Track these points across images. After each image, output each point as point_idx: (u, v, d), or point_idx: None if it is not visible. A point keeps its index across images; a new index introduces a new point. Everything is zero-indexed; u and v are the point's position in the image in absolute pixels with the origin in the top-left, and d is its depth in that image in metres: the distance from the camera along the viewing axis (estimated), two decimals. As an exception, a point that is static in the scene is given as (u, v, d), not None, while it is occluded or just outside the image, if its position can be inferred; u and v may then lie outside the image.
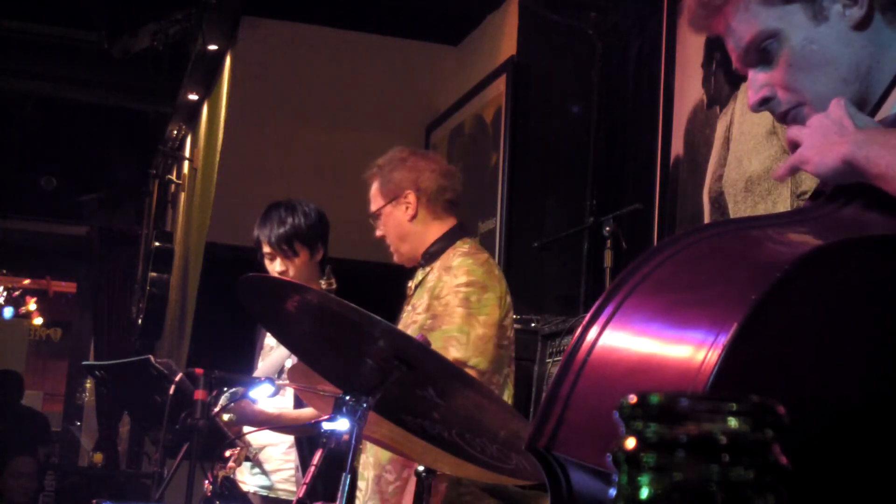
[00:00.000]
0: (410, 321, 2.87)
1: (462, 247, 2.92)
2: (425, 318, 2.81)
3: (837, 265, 1.06)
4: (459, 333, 2.72)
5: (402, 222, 2.96)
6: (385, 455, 2.81)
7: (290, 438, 3.49)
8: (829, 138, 1.21)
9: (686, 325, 1.02)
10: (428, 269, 2.94)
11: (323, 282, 3.17)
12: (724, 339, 0.95)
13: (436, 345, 2.67)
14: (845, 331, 1.05)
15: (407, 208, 2.95)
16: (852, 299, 1.06)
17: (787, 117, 1.37)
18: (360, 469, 2.93)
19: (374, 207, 3.02)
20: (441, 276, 2.83)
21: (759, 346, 0.98)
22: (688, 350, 0.98)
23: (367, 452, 2.90)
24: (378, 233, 3.04)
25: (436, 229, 2.97)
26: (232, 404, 3.03)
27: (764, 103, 1.38)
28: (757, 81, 1.38)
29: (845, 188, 1.22)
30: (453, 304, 2.75)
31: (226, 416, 3.09)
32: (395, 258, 3.04)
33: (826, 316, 1.04)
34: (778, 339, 1.00)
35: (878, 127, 1.25)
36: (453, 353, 2.69)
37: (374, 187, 3.03)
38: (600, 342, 1.07)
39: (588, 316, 1.10)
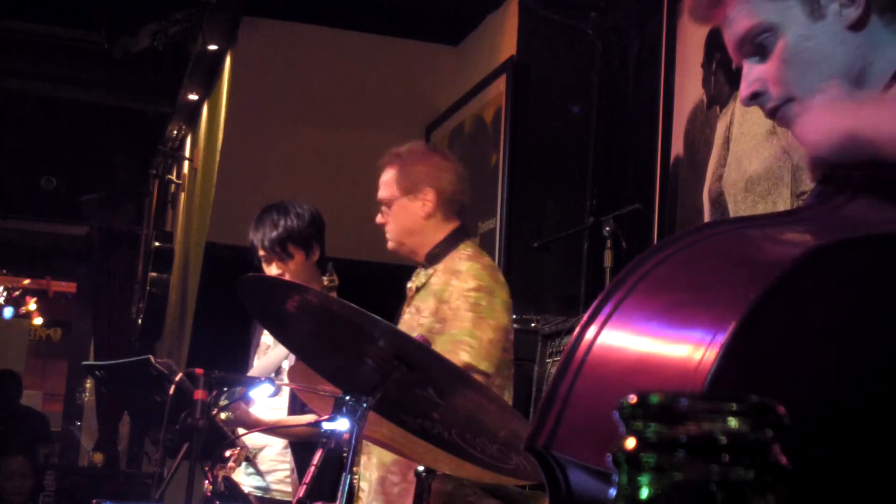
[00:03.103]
0: (416, 324, 2.83)
1: (465, 250, 2.91)
2: (432, 321, 2.79)
3: (838, 264, 1.05)
4: (470, 338, 2.72)
5: (415, 218, 2.93)
6: (389, 456, 2.79)
7: (285, 440, 3.48)
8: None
9: (685, 324, 1.02)
10: (431, 270, 2.91)
11: (325, 278, 3.14)
12: (721, 338, 0.94)
13: (444, 348, 2.67)
14: (845, 330, 1.04)
15: (424, 205, 2.92)
16: (853, 298, 1.06)
17: (776, 113, 1.37)
18: (362, 470, 2.92)
19: (386, 195, 2.95)
20: (449, 280, 2.81)
21: (758, 345, 0.98)
22: (686, 349, 0.97)
23: (371, 454, 2.89)
24: (380, 219, 2.98)
25: (442, 230, 2.94)
26: (231, 404, 3.03)
27: (755, 97, 1.38)
28: (751, 75, 1.38)
29: (852, 181, 1.22)
30: (462, 309, 2.75)
31: (223, 415, 3.09)
32: (391, 245, 2.98)
33: (826, 315, 1.04)
34: (777, 338, 1.00)
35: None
36: (464, 356, 2.69)
37: (391, 175, 2.96)
38: (599, 341, 1.06)
39: (587, 315, 1.09)
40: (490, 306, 2.77)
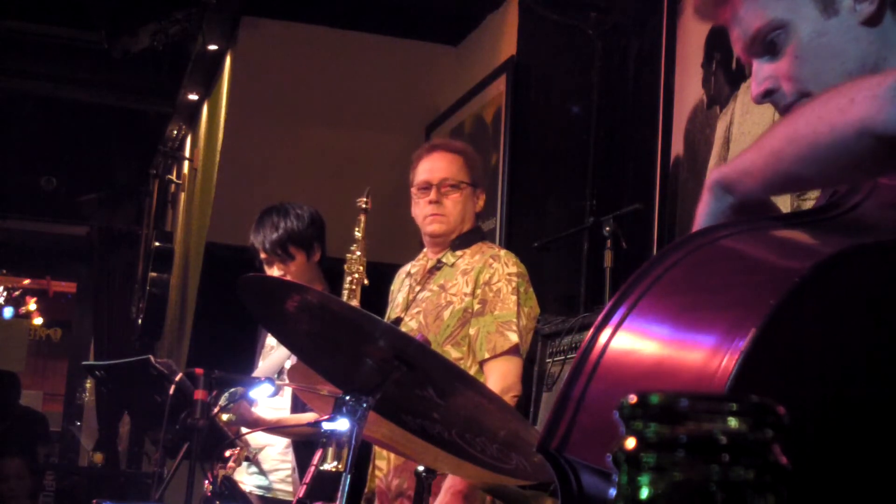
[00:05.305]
0: (443, 301, 2.95)
1: (487, 244, 3.09)
2: (470, 301, 2.91)
3: (854, 269, 1.05)
4: (517, 319, 2.88)
5: (472, 211, 3.09)
6: None
7: (287, 439, 3.49)
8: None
9: (701, 328, 1.01)
10: (460, 253, 3.03)
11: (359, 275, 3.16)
12: (741, 344, 0.93)
13: (488, 328, 2.87)
14: (861, 335, 1.03)
15: (478, 202, 3.11)
16: (868, 303, 1.05)
17: (790, 110, 1.37)
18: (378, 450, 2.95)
19: (460, 177, 3.05)
20: (489, 263, 2.94)
21: (776, 350, 0.97)
22: (703, 354, 0.97)
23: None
24: (434, 196, 3.02)
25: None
26: (231, 405, 3.03)
27: (767, 95, 1.37)
28: (761, 73, 1.37)
29: (862, 185, 1.21)
30: (506, 292, 2.90)
31: (224, 417, 3.09)
32: (442, 229, 3.04)
33: (843, 320, 1.03)
34: (794, 342, 0.99)
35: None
36: (512, 337, 2.85)
37: (458, 163, 3.06)
38: (613, 344, 1.06)
39: (600, 317, 1.08)
40: (527, 294, 2.95)
